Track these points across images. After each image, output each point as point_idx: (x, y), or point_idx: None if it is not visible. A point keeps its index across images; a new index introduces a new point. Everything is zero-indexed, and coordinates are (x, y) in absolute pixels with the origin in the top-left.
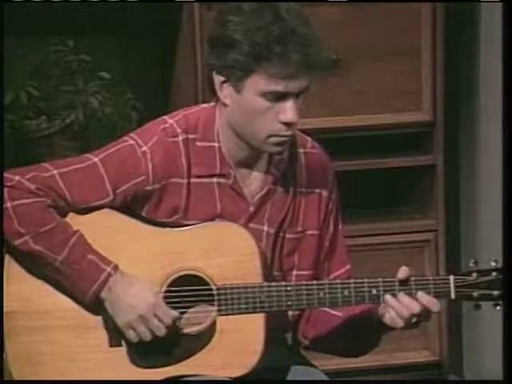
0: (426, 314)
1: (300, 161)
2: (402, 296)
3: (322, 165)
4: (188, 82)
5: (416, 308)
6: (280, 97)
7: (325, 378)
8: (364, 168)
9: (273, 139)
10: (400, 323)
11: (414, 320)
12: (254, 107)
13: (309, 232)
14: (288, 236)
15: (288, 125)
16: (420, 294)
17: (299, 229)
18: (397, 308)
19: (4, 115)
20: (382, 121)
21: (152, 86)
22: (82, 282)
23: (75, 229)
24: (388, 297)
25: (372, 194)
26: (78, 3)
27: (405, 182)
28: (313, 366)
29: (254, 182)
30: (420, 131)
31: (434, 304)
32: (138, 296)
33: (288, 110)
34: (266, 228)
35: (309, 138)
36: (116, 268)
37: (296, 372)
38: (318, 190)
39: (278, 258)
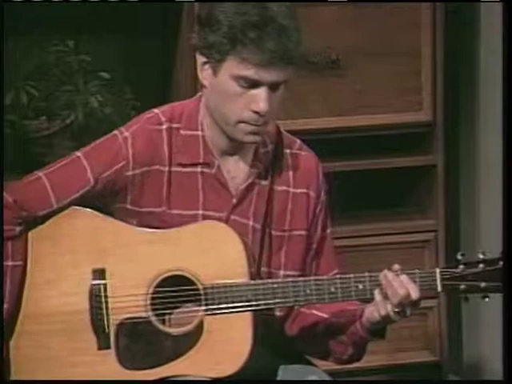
0: (408, 301)
1: (286, 160)
2: (402, 276)
3: (310, 167)
4: (188, 82)
5: (412, 288)
6: (253, 85)
7: (320, 372)
8: (364, 168)
9: (243, 126)
10: (388, 308)
11: (400, 308)
12: (226, 90)
13: (296, 232)
14: (274, 233)
15: (259, 114)
16: (404, 277)
17: (286, 227)
18: (396, 284)
19: (4, 115)
20: (382, 121)
21: (152, 86)
22: None
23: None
24: (389, 273)
25: (372, 194)
26: (78, 3)
27: (405, 182)
28: (310, 363)
29: (239, 174)
30: (420, 131)
31: (414, 290)
32: None
33: (259, 99)
34: (251, 223)
35: (298, 140)
36: None
37: (290, 370)
38: (305, 191)
39: (267, 255)
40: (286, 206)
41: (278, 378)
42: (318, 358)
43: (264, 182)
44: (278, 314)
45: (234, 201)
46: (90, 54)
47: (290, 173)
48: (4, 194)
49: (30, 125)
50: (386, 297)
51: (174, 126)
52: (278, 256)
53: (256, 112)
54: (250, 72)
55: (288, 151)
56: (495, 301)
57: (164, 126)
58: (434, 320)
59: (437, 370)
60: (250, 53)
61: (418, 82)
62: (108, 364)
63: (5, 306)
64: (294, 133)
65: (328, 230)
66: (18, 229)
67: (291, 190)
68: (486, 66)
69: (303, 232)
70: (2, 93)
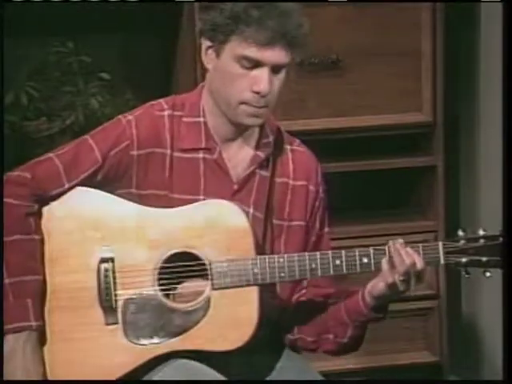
0: (414, 270)
1: (286, 155)
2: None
3: (309, 162)
4: (188, 82)
5: (417, 258)
6: (255, 65)
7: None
8: (364, 169)
9: (244, 107)
10: (395, 276)
11: (406, 277)
12: (228, 72)
13: (295, 223)
14: (275, 222)
15: (260, 95)
16: (409, 249)
17: (285, 217)
18: (403, 253)
19: (4, 116)
20: (382, 122)
21: (152, 86)
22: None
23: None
24: (397, 243)
25: (372, 194)
26: (79, 4)
27: (405, 183)
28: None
29: (241, 162)
30: (420, 132)
31: (419, 260)
32: (35, 366)
33: (260, 80)
34: (251, 211)
35: (297, 139)
36: (38, 328)
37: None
38: (305, 183)
39: (269, 245)
40: (286, 197)
41: (279, 364)
42: (315, 348)
43: (265, 173)
44: (280, 293)
45: (235, 187)
46: (90, 54)
47: (290, 166)
48: (21, 171)
49: (30, 125)
50: (392, 266)
51: (176, 113)
52: (278, 245)
53: (257, 92)
54: (252, 51)
55: (288, 147)
56: (495, 301)
57: (166, 113)
58: (435, 321)
59: (437, 371)
60: (252, 32)
61: (418, 82)
62: (115, 339)
63: (39, 277)
64: (294, 133)
65: (326, 229)
66: (36, 206)
67: (291, 182)
68: (486, 66)
69: (302, 223)
70: (2, 93)
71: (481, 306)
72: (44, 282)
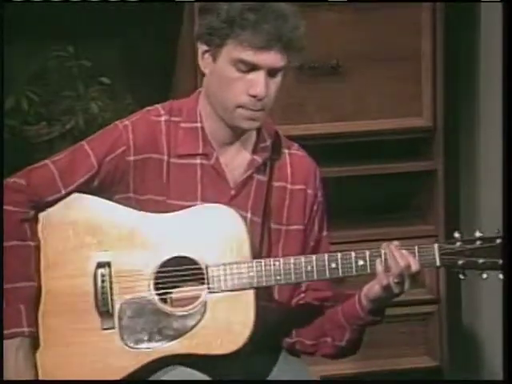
0: (409, 272)
1: (285, 159)
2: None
3: (307, 166)
4: (188, 86)
5: (412, 260)
6: (251, 69)
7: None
8: (364, 173)
9: (241, 111)
10: (390, 278)
11: (400, 279)
12: (225, 76)
13: (293, 227)
14: (273, 226)
15: (256, 98)
16: (404, 251)
17: (283, 222)
18: (397, 255)
19: (4, 121)
20: (382, 126)
21: (152, 90)
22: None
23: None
24: (391, 245)
25: (372, 199)
26: (79, 6)
27: (405, 188)
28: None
29: (238, 167)
30: (420, 136)
31: (414, 262)
32: (26, 372)
33: (257, 83)
34: (249, 215)
35: (295, 143)
36: (31, 334)
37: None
38: (303, 187)
39: (266, 249)
40: (284, 202)
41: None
42: (313, 352)
43: (262, 177)
44: (277, 298)
45: (233, 192)
46: (90, 59)
47: (288, 170)
48: (17, 178)
49: (31, 130)
50: (387, 269)
51: (174, 119)
52: (276, 249)
53: (254, 96)
54: (248, 55)
55: (286, 151)
56: (495, 304)
57: (163, 118)
58: (435, 326)
59: (438, 376)
60: (248, 35)
61: (418, 87)
62: (112, 343)
63: (33, 284)
64: (293, 138)
65: (324, 233)
66: (31, 212)
67: (289, 186)
68: (486, 66)
69: (300, 227)
70: (2, 98)
71: (481, 310)
72: (38, 288)
